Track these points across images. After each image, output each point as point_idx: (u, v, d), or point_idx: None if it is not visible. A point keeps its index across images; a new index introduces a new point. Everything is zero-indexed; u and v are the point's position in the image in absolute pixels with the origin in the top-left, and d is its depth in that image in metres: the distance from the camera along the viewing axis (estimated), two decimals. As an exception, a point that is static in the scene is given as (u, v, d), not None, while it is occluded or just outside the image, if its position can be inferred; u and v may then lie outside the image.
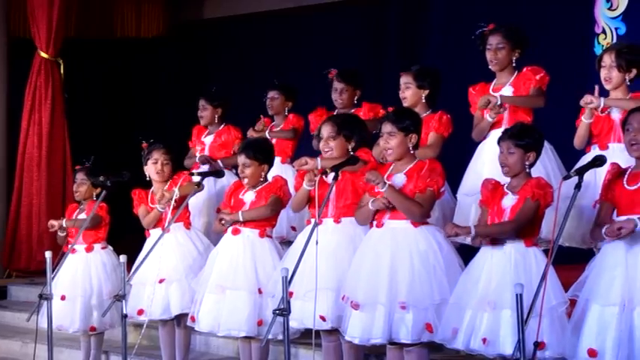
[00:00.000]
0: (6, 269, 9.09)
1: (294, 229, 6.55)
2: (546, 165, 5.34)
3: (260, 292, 5.42)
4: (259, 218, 5.54)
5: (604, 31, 7.51)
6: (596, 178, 4.84)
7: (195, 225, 6.38)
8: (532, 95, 5.58)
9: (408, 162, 4.92)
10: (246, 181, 5.62)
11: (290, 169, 6.61)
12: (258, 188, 5.61)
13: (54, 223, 6.51)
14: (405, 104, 5.74)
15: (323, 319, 5.03)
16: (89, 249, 6.43)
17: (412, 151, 4.94)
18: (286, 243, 6.29)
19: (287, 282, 4.36)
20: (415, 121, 4.99)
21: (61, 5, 8.94)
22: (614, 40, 7.32)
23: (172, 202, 5.88)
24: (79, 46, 9.49)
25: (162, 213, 5.96)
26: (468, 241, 4.76)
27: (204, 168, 6.94)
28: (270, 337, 4.84)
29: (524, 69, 5.65)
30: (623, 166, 4.50)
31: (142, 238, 6.12)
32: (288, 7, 9.57)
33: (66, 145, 9.12)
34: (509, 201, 4.58)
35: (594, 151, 5.17)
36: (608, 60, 5.24)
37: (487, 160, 5.40)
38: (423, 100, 5.76)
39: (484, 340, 4.40)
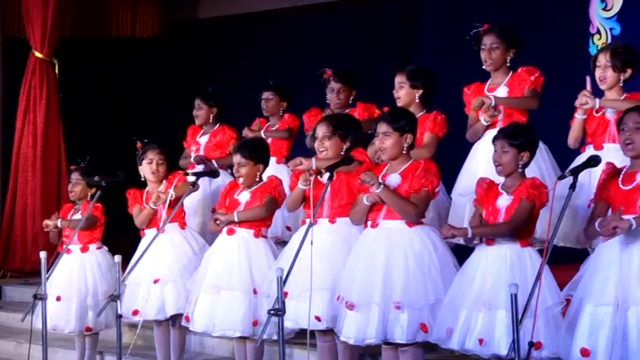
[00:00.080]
0: (0, 269, 9.07)
1: (289, 229, 6.55)
2: (541, 165, 5.34)
3: (255, 292, 5.42)
4: (254, 218, 5.54)
5: (599, 32, 7.52)
6: (591, 178, 4.84)
7: (191, 225, 6.38)
8: (526, 97, 5.58)
9: (403, 162, 4.92)
10: (241, 180, 5.62)
11: (285, 169, 6.61)
12: (253, 188, 5.61)
13: (48, 222, 6.51)
14: (399, 104, 5.74)
15: (318, 319, 5.04)
16: (84, 249, 6.42)
17: (407, 152, 4.94)
18: (281, 243, 6.29)
19: (282, 282, 4.36)
20: (410, 122, 4.99)
21: (55, 5, 8.94)
22: (609, 41, 7.33)
23: (167, 202, 5.88)
24: (74, 46, 9.48)
25: (154, 211, 5.96)
26: (462, 241, 4.76)
27: (199, 168, 6.94)
28: (265, 337, 4.84)
29: (519, 69, 5.65)
30: (618, 166, 4.50)
31: (136, 239, 6.12)
32: (282, 7, 9.57)
33: (60, 145, 9.11)
34: (504, 201, 4.59)
35: (589, 152, 5.17)
36: (603, 60, 5.25)
37: (482, 160, 5.40)
38: (417, 100, 5.76)
39: (480, 340, 4.40)
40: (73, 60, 9.44)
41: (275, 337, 4.88)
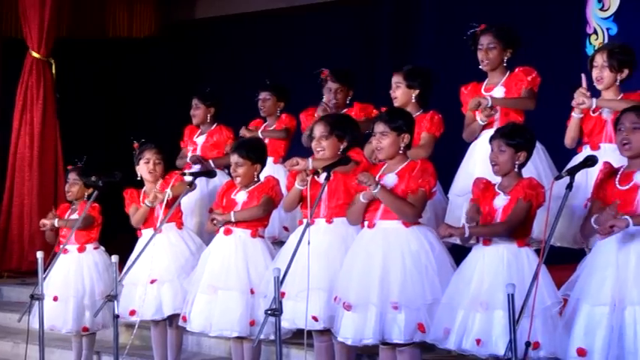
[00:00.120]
0: (-3, 269, 9.07)
1: (286, 229, 6.55)
2: (537, 165, 5.35)
3: (252, 292, 5.41)
4: (251, 218, 5.53)
5: (595, 32, 7.53)
6: (588, 178, 4.85)
7: (188, 225, 6.38)
8: (523, 97, 5.59)
9: (400, 162, 4.93)
10: (238, 180, 5.62)
11: (282, 169, 6.60)
12: (250, 188, 5.61)
13: (45, 222, 6.51)
14: (396, 104, 5.75)
15: (315, 319, 5.03)
16: (81, 249, 6.42)
17: (404, 152, 4.95)
18: (278, 243, 6.28)
19: (279, 282, 4.36)
20: (408, 122, 5.00)
21: (52, 5, 8.93)
22: (606, 41, 7.33)
23: (164, 201, 5.88)
24: (71, 46, 9.47)
25: (150, 210, 5.96)
26: (458, 241, 4.76)
27: (196, 168, 6.93)
28: (262, 337, 4.84)
29: (516, 69, 5.66)
30: (615, 166, 4.51)
31: (133, 239, 6.11)
32: (280, 7, 9.57)
33: (57, 145, 9.10)
34: (500, 201, 4.59)
35: (586, 152, 5.18)
36: (600, 60, 5.25)
37: (479, 160, 5.40)
38: (414, 100, 5.77)
39: (478, 340, 4.40)
40: (70, 60, 9.43)
41: (272, 337, 4.87)
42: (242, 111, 7.51)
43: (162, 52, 10.38)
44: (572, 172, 4.30)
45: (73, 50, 9.57)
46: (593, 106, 5.21)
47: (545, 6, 7.75)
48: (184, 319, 5.61)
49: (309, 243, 4.69)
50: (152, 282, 5.87)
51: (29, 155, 9.00)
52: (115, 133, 9.81)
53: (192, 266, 5.78)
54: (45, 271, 5.75)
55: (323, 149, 5.24)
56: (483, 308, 4.41)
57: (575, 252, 5.28)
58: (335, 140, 5.24)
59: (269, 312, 4.35)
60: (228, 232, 5.55)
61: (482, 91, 5.66)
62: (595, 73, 5.26)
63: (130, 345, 6.10)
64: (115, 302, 5.20)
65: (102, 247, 6.52)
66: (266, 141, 6.57)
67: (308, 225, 4.76)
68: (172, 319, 5.93)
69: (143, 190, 6.11)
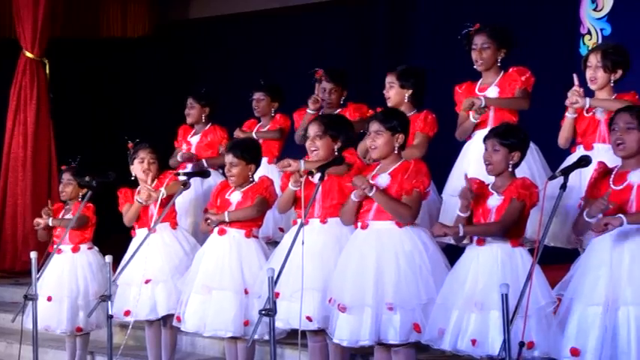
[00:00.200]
0: (-9, 269, 9.06)
1: (281, 230, 6.54)
2: (531, 165, 5.35)
3: (246, 292, 5.41)
4: (245, 219, 5.53)
5: (589, 32, 7.54)
6: (581, 178, 4.85)
7: (182, 225, 6.38)
8: (517, 97, 5.60)
9: (393, 162, 4.93)
10: (232, 180, 5.62)
11: (277, 170, 6.58)
12: (244, 188, 5.61)
13: (39, 221, 6.49)
14: (389, 104, 5.75)
15: (309, 319, 5.03)
16: (75, 249, 6.41)
17: (398, 152, 4.95)
18: (272, 243, 6.28)
19: (273, 282, 4.36)
20: (403, 122, 5.00)
21: (46, 5, 8.92)
22: (600, 41, 7.35)
23: (159, 200, 5.87)
24: (65, 46, 9.45)
25: (144, 209, 5.95)
26: (452, 241, 4.77)
27: (190, 167, 6.94)
28: (256, 337, 4.84)
29: (510, 69, 5.66)
30: (608, 166, 4.52)
31: (127, 239, 6.10)
32: (274, 7, 9.57)
33: (51, 145, 9.09)
34: (494, 201, 4.59)
35: (579, 152, 5.19)
36: (593, 60, 5.26)
37: (472, 160, 5.41)
38: (407, 100, 5.77)
39: (473, 341, 4.40)
40: (63, 60, 9.42)
41: (266, 338, 4.88)
42: (236, 111, 7.51)
43: (156, 52, 10.37)
44: (566, 172, 4.31)
45: (67, 50, 9.56)
46: (587, 106, 5.21)
47: (539, 6, 7.76)
48: (178, 319, 5.61)
49: (303, 243, 4.69)
50: (146, 282, 5.86)
51: (23, 155, 8.98)
52: (108, 133, 9.79)
53: (186, 266, 5.78)
54: (39, 271, 5.75)
55: (317, 149, 5.24)
56: (478, 308, 4.42)
57: (569, 252, 5.29)
58: (329, 140, 5.23)
59: (263, 312, 4.35)
60: (222, 232, 5.55)
61: (477, 90, 5.66)
62: (589, 74, 5.27)
63: (124, 345, 6.09)
64: (109, 302, 5.19)
65: (96, 248, 6.51)
66: (260, 141, 6.57)
67: (302, 225, 4.75)
68: (166, 319, 5.92)
69: (137, 189, 6.10)
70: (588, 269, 4.34)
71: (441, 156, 5.65)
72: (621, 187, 4.36)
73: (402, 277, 4.72)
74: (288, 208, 5.38)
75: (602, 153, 4.96)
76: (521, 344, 4.00)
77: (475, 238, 4.59)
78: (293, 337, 5.22)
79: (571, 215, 4.99)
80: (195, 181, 6.47)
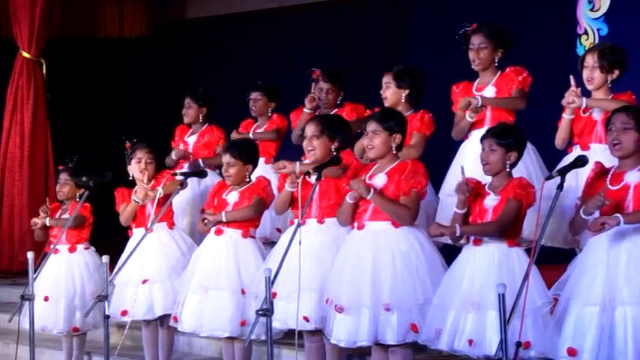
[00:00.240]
0: (-13, 270, 9.04)
1: (279, 230, 6.53)
2: (528, 165, 5.35)
3: (243, 292, 5.41)
4: (242, 219, 5.53)
5: (586, 32, 7.55)
6: (578, 178, 4.85)
7: (179, 225, 6.38)
8: (513, 97, 5.60)
9: (390, 162, 4.93)
10: (229, 180, 5.62)
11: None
12: (241, 189, 5.61)
13: (37, 221, 6.50)
14: (386, 104, 5.76)
15: (306, 319, 5.03)
16: (72, 249, 6.41)
17: (395, 152, 4.95)
18: (269, 244, 6.28)
19: (270, 282, 4.36)
20: (400, 122, 5.00)
21: (43, 5, 8.91)
22: (597, 41, 7.35)
23: (156, 199, 5.88)
24: (62, 46, 9.44)
25: (141, 208, 5.96)
26: (449, 240, 4.77)
27: (186, 167, 6.94)
28: (253, 337, 4.84)
29: (507, 69, 5.67)
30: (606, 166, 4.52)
31: (124, 239, 6.10)
32: (271, 7, 9.56)
33: (48, 145, 9.08)
34: (491, 201, 4.59)
35: (576, 152, 5.19)
36: (590, 61, 5.26)
37: (469, 160, 5.39)
38: (403, 100, 5.78)
39: (470, 341, 4.40)
40: (60, 60, 9.40)
41: (263, 338, 4.88)
42: (233, 111, 7.50)
43: (153, 52, 10.36)
44: (563, 172, 4.31)
45: (64, 50, 9.55)
46: (584, 106, 5.21)
47: (536, 6, 7.77)
48: (175, 320, 5.60)
49: (300, 243, 4.69)
50: (144, 282, 5.86)
51: (19, 155, 8.97)
52: (106, 133, 9.78)
53: (183, 266, 5.78)
54: (35, 271, 5.74)
55: (314, 148, 5.23)
56: (475, 308, 4.42)
57: (566, 252, 5.29)
58: (326, 140, 5.23)
59: (260, 312, 4.35)
60: (219, 232, 5.55)
61: (474, 90, 5.67)
62: (586, 74, 5.27)
63: (121, 345, 6.09)
64: (106, 302, 5.19)
65: (92, 248, 6.51)
66: (257, 142, 6.56)
67: (299, 225, 4.75)
68: (164, 319, 5.92)
69: (135, 189, 6.10)
70: (585, 269, 4.35)
71: (437, 156, 5.65)
72: (618, 187, 4.37)
73: (398, 277, 4.72)
74: (285, 210, 5.37)
75: (599, 153, 4.96)
76: (518, 344, 4.00)
77: (472, 238, 4.59)
78: (290, 337, 5.22)
79: (568, 215, 4.99)
80: (192, 181, 6.47)
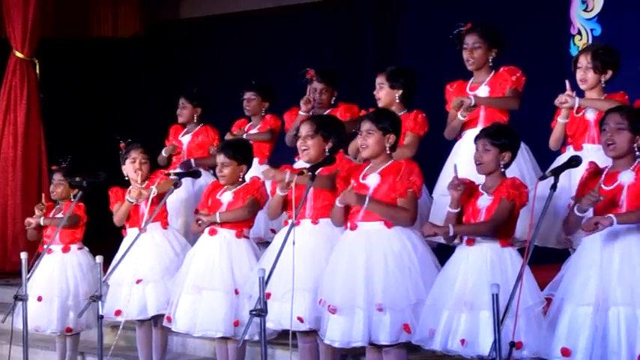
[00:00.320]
0: (-19, 270, 9.01)
1: (273, 231, 6.52)
2: (522, 166, 5.36)
3: (236, 292, 5.41)
4: (236, 220, 5.53)
5: (579, 32, 7.56)
6: (571, 178, 4.86)
7: (173, 225, 6.37)
8: (507, 97, 5.61)
9: (383, 162, 4.93)
10: (223, 180, 5.61)
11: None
12: (235, 189, 5.60)
13: (31, 220, 6.49)
14: (380, 104, 5.76)
15: (301, 320, 5.03)
16: (65, 249, 6.40)
17: (389, 152, 4.95)
18: (264, 244, 6.28)
19: (264, 282, 4.36)
20: (394, 123, 5.00)
21: (36, 5, 8.88)
22: (590, 42, 7.36)
23: (150, 198, 5.87)
24: (55, 46, 9.42)
25: (135, 208, 5.95)
26: (443, 240, 4.77)
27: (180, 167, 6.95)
28: (246, 337, 4.83)
29: (501, 69, 5.67)
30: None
31: (118, 239, 6.10)
32: (266, 7, 9.56)
33: (41, 145, 9.06)
34: (484, 201, 4.59)
35: (569, 152, 5.20)
36: (583, 61, 5.27)
37: (463, 161, 5.40)
38: (397, 100, 5.78)
39: (462, 341, 4.41)
40: (54, 60, 9.38)
41: (257, 338, 4.87)
42: (227, 111, 7.50)
43: (147, 52, 10.35)
44: (557, 172, 4.31)
45: (58, 50, 9.53)
46: (576, 106, 5.22)
47: (530, 6, 7.78)
48: (169, 320, 5.60)
49: (294, 243, 4.68)
50: (137, 282, 5.85)
51: (13, 155, 8.95)
52: (100, 133, 9.77)
53: (176, 266, 5.78)
54: (29, 271, 5.73)
55: (307, 148, 5.23)
56: (468, 308, 4.42)
57: (559, 252, 5.30)
58: (320, 140, 5.23)
59: (254, 312, 4.34)
60: (213, 232, 5.55)
61: (467, 89, 5.68)
62: (579, 75, 5.28)
63: (115, 345, 6.08)
64: (100, 303, 5.18)
65: (86, 248, 6.51)
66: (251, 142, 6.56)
67: (293, 225, 4.75)
68: (157, 319, 5.92)
69: (129, 189, 6.10)
70: (579, 269, 4.35)
71: (431, 156, 5.65)
72: (612, 187, 4.37)
73: (390, 278, 4.72)
74: (279, 214, 5.35)
75: (592, 153, 4.97)
76: (512, 344, 4.00)
77: (465, 238, 4.60)
78: (284, 337, 5.21)
79: (561, 215, 5.00)
80: (186, 182, 6.47)
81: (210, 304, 5.43)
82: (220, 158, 5.62)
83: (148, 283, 5.87)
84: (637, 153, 4.39)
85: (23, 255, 5.68)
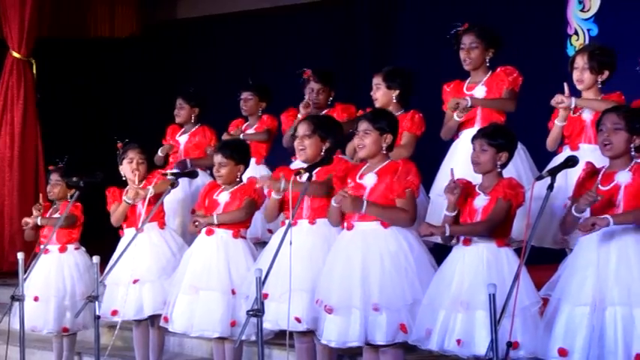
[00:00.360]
0: (-22, 270, 9.01)
1: (270, 231, 6.50)
2: (518, 166, 5.35)
3: (233, 292, 5.41)
4: (233, 221, 5.53)
5: (576, 33, 7.56)
6: (567, 178, 4.87)
7: (170, 225, 6.37)
8: (503, 98, 5.61)
9: (380, 161, 4.93)
10: (221, 180, 5.61)
11: (265, 170, 6.62)
12: (232, 189, 5.60)
13: (28, 220, 6.49)
14: (377, 105, 5.77)
15: (298, 320, 5.02)
16: (62, 249, 6.40)
17: (386, 152, 4.95)
18: (261, 244, 6.28)
19: (261, 283, 4.36)
20: (391, 123, 5.00)
21: (33, 5, 8.89)
22: (587, 42, 7.37)
23: (147, 198, 5.87)
24: (52, 46, 9.42)
25: (130, 207, 5.95)
26: (439, 240, 4.77)
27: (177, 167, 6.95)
28: (243, 337, 4.83)
29: (498, 69, 5.68)
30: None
31: (115, 239, 6.10)
32: (263, 7, 9.57)
33: (38, 145, 9.06)
34: (481, 201, 4.60)
35: (566, 152, 5.20)
36: (580, 62, 5.27)
37: (460, 161, 5.41)
38: (394, 101, 5.79)
39: (458, 341, 4.41)
40: (51, 60, 9.39)
41: (254, 338, 4.87)
42: (224, 111, 7.50)
43: (144, 52, 10.35)
44: (553, 172, 4.31)
45: (54, 50, 9.53)
46: (573, 106, 5.23)
47: (527, 6, 7.79)
48: (166, 320, 5.60)
49: (290, 243, 4.68)
50: (134, 282, 5.85)
51: (9, 155, 8.95)
52: (96, 133, 9.78)
53: (173, 267, 5.77)
54: (26, 271, 5.73)
55: (305, 148, 5.23)
56: (464, 308, 4.42)
57: (556, 252, 5.30)
58: (317, 140, 5.22)
59: (251, 312, 4.34)
60: (210, 232, 5.55)
61: (464, 89, 5.68)
62: (576, 75, 5.28)
63: (112, 346, 6.07)
64: (96, 303, 5.18)
65: (83, 248, 6.51)
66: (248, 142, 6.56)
67: (290, 226, 4.75)
68: (154, 319, 5.91)
69: (126, 189, 6.10)
70: (576, 269, 4.35)
71: (428, 156, 5.66)
72: (608, 187, 4.37)
73: (387, 278, 4.72)
74: (276, 217, 5.34)
75: (588, 153, 4.97)
76: (509, 344, 4.00)
77: (461, 238, 4.60)
78: (281, 337, 5.21)
79: (557, 216, 5.00)
80: (183, 182, 6.47)
81: (207, 304, 5.43)
82: (218, 158, 5.62)
83: (145, 283, 5.87)
84: (633, 153, 4.40)
85: (20, 255, 5.68)
